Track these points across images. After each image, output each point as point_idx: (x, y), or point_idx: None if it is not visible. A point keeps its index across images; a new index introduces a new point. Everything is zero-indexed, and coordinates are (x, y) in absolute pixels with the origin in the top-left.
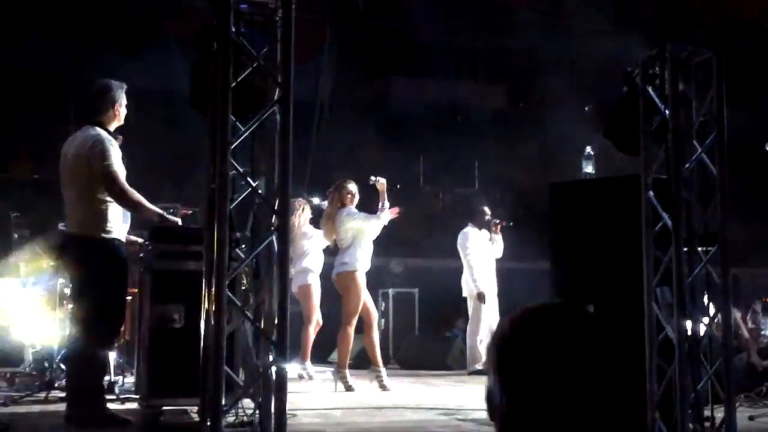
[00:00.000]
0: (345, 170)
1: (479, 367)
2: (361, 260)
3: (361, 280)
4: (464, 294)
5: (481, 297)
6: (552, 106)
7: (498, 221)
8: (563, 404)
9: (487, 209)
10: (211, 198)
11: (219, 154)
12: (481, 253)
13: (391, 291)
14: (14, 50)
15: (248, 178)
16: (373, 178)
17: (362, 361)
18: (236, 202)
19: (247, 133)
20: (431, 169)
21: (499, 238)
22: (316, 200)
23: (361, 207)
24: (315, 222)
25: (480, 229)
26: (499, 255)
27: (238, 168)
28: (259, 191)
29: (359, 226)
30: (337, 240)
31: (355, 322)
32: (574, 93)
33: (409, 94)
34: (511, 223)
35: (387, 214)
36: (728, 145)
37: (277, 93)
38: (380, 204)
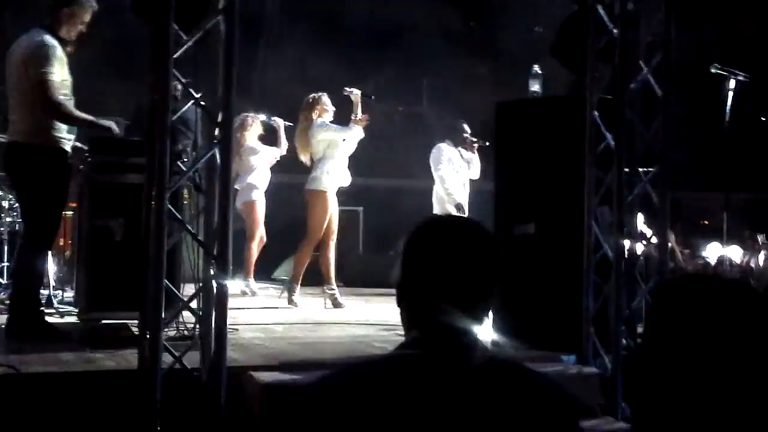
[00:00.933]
0: (294, 86)
1: None
2: (332, 175)
3: (330, 198)
4: (435, 210)
5: (459, 208)
6: (503, 26)
7: (475, 140)
8: (433, 281)
9: (466, 126)
10: (152, 109)
11: (161, 64)
12: (454, 171)
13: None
14: None
15: (191, 90)
16: (347, 88)
17: (307, 279)
18: (178, 113)
19: (190, 44)
20: (379, 88)
21: (476, 158)
22: (263, 117)
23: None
24: (264, 139)
25: (456, 147)
26: (476, 176)
27: (181, 79)
28: (202, 103)
29: (331, 137)
30: (311, 154)
31: (316, 240)
32: (526, 13)
33: (359, 10)
34: (488, 143)
35: (359, 125)
36: (675, 68)
37: (221, 2)
38: (353, 115)
